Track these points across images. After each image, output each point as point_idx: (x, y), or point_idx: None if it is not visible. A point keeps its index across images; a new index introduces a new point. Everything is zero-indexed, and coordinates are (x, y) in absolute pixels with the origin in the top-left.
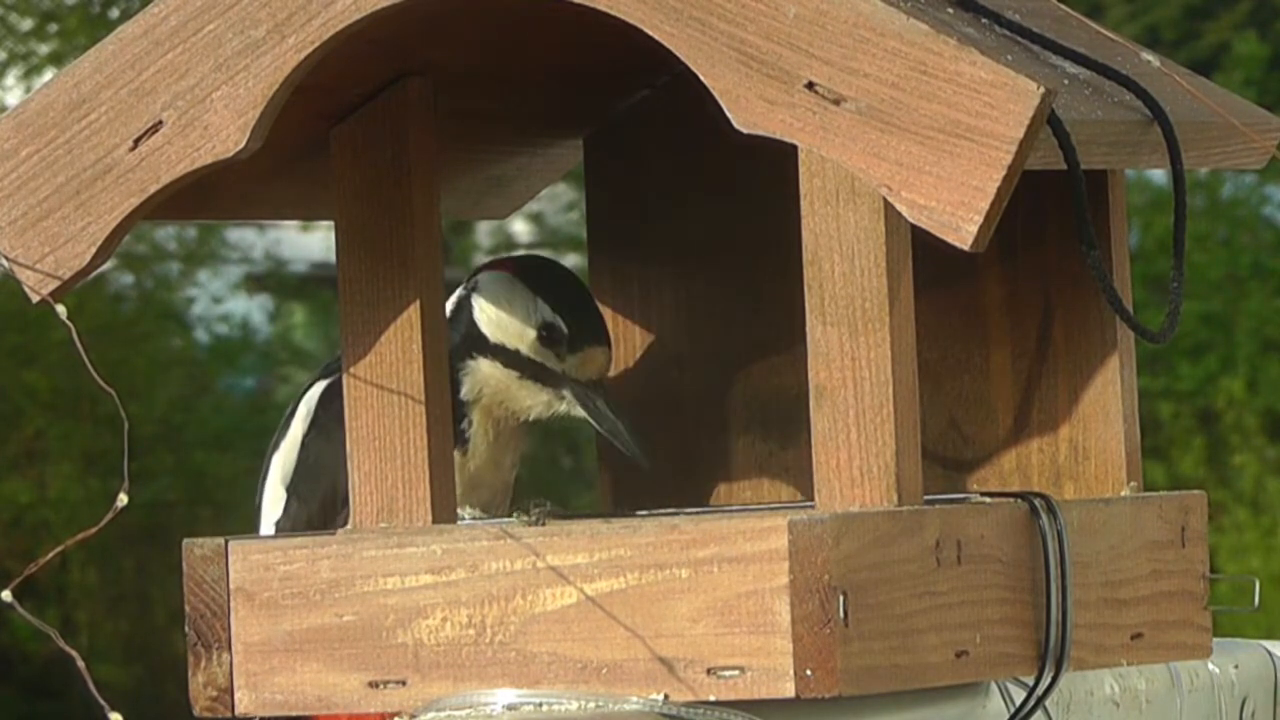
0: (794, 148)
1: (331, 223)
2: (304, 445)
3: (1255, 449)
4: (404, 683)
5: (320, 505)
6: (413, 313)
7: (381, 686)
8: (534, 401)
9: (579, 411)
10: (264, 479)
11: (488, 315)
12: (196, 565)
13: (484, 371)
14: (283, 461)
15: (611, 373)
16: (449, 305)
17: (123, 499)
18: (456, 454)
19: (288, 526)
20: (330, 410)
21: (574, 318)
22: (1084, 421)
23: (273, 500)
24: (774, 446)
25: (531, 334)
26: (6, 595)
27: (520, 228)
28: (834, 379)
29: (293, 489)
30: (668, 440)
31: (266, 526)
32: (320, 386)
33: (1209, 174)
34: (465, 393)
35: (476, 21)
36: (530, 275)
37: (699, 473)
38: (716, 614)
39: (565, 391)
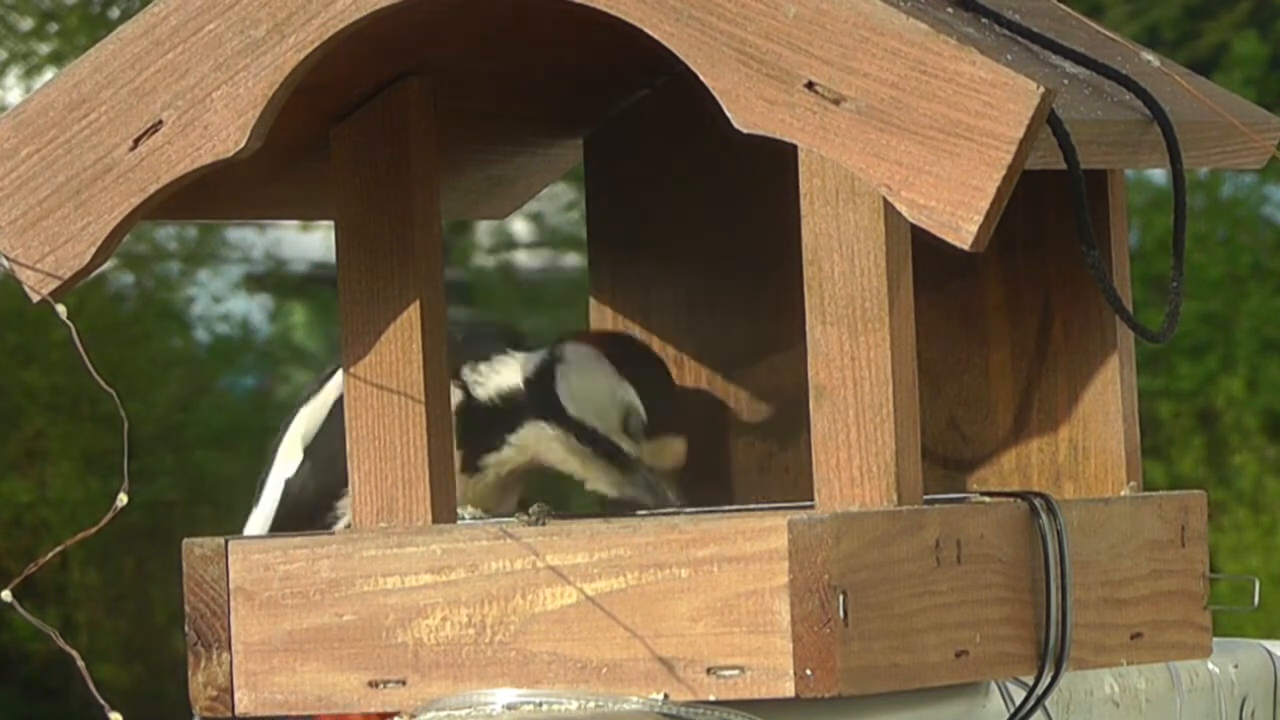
0: (794, 147)
1: (331, 223)
2: (333, 410)
3: (1255, 449)
4: (404, 682)
5: (334, 474)
6: (413, 313)
7: (381, 686)
8: (602, 480)
9: (646, 499)
10: (285, 427)
11: (570, 389)
12: (196, 565)
13: (548, 439)
14: (309, 418)
15: None
16: (529, 367)
17: (123, 499)
18: (464, 475)
19: (296, 486)
20: None
21: (655, 406)
22: (1084, 421)
23: (288, 453)
24: (774, 446)
25: (614, 417)
26: (6, 595)
27: (520, 228)
28: (834, 379)
29: (311, 451)
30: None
31: (276, 478)
32: None
33: (1209, 174)
34: (515, 442)
35: (476, 21)
36: (617, 355)
37: (699, 473)
38: (716, 614)
39: (637, 477)
